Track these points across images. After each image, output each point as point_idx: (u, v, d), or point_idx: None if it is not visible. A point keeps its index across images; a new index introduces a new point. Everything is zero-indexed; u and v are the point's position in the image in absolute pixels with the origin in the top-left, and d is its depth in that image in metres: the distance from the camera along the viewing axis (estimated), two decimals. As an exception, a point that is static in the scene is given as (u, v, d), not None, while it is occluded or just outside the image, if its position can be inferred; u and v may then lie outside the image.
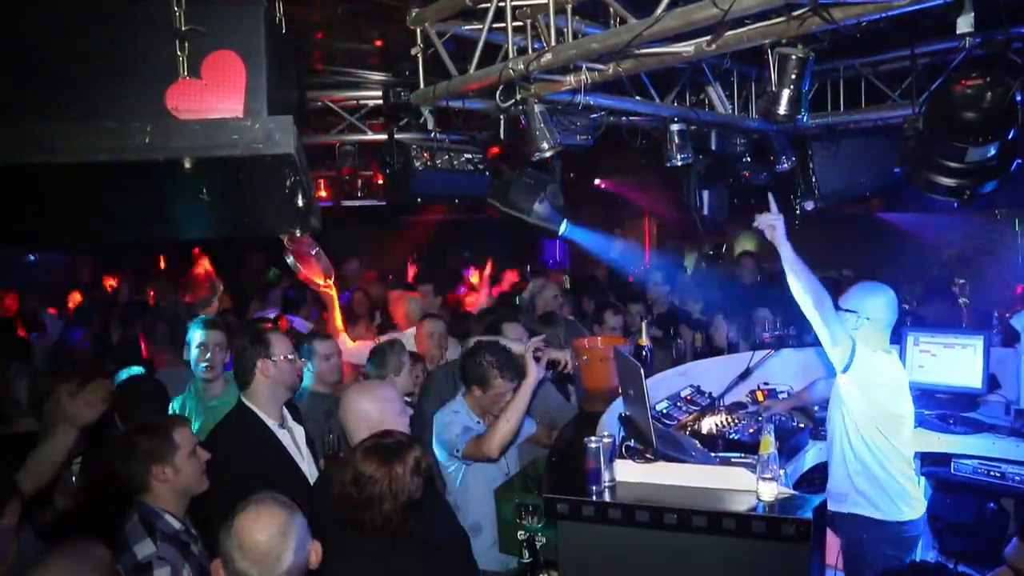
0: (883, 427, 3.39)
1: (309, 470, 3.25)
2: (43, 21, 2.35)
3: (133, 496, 2.68)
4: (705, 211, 7.25)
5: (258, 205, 2.88)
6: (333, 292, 5.63)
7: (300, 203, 2.59)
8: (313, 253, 5.64)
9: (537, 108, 4.49)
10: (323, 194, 7.84)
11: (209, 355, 4.06)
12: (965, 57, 4.22)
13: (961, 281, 5.89)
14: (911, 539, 3.46)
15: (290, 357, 3.27)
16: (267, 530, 2.06)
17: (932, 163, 4.69)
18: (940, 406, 4.15)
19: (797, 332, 4.98)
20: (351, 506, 2.43)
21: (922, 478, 3.83)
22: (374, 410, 2.99)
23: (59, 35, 2.35)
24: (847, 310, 3.47)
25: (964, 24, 3.05)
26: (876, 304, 3.47)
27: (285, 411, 3.31)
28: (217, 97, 2.37)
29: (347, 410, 3.06)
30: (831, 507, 3.29)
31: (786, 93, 3.91)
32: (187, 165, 2.31)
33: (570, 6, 3.57)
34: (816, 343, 3.43)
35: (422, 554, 2.47)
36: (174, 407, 4.06)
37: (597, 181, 11.42)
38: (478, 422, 3.70)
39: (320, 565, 2.31)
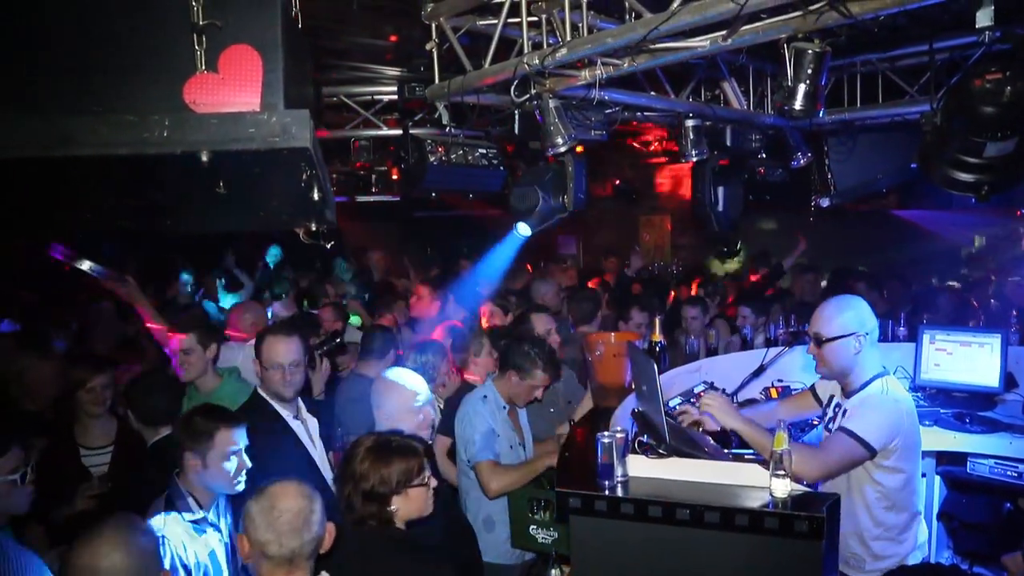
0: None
1: (321, 461, 3.31)
2: (63, 15, 2.38)
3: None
4: (720, 207, 7.20)
5: (274, 198, 2.90)
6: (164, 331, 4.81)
7: (316, 197, 2.60)
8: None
9: (552, 103, 4.49)
10: (335, 189, 7.82)
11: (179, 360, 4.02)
12: (984, 51, 4.17)
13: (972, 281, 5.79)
14: None
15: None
16: (296, 501, 2.14)
17: (950, 158, 4.64)
18: (956, 405, 4.11)
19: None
20: (347, 499, 2.46)
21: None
22: (391, 403, 3.03)
23: (79, 30, 2.37)
24: (840, 336, 3.01)
25: (984, 18, 3.02)
26: (865, 312, 3.08)
27: (300, 403, 3.36)
28: (234, 91, 2.38)
29: (375, 397, 3.15)
30: None
31: (802, 88, 3.87)
32: (204, 158, 2.33)
33: (585, 0, 3.56)
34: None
35: (412, 555, 2.47)
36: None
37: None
38: (504, 407, 3.77)
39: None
